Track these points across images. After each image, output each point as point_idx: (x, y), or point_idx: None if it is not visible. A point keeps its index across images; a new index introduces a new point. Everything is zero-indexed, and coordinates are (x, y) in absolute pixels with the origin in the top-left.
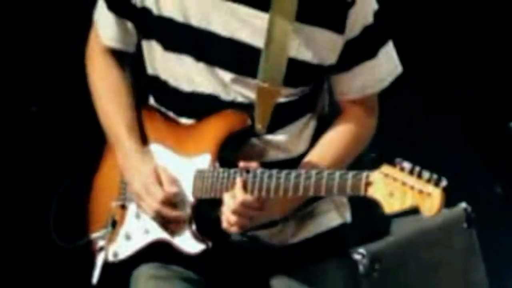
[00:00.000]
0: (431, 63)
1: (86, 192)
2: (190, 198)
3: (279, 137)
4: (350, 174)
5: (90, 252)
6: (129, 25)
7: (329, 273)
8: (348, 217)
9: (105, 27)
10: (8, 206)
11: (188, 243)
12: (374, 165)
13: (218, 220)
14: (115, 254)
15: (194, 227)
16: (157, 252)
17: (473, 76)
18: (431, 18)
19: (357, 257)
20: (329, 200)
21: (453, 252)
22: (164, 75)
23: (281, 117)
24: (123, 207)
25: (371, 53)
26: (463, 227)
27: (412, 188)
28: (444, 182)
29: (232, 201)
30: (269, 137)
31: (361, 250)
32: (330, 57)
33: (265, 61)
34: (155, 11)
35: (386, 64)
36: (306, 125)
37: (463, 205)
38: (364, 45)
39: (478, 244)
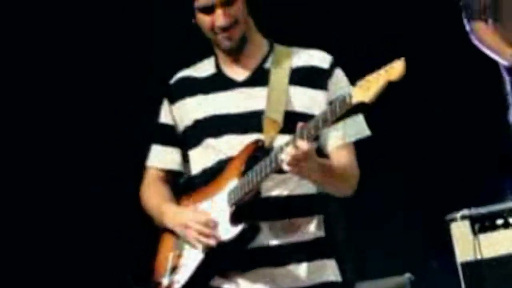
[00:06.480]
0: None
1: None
2: (227, 214)
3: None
4: (337, 100)
5: None
6: (174, 150)
7: None
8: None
9: (154, 156)
10: None
11: (227, 231)
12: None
13: (252, 209)
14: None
15: (230, 215)
16: (208, 269)
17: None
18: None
19: None
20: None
21: None
22: (205, 164)
23: None
24: (179, 256)
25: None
26: None
27: (379, 74)
28: (402, 58)
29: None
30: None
31: None
32: (315, 109)
33: (268, 113)
34: (196, 117)
35: (351, 127)
36: None
37: (408, 275)
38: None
39: None
